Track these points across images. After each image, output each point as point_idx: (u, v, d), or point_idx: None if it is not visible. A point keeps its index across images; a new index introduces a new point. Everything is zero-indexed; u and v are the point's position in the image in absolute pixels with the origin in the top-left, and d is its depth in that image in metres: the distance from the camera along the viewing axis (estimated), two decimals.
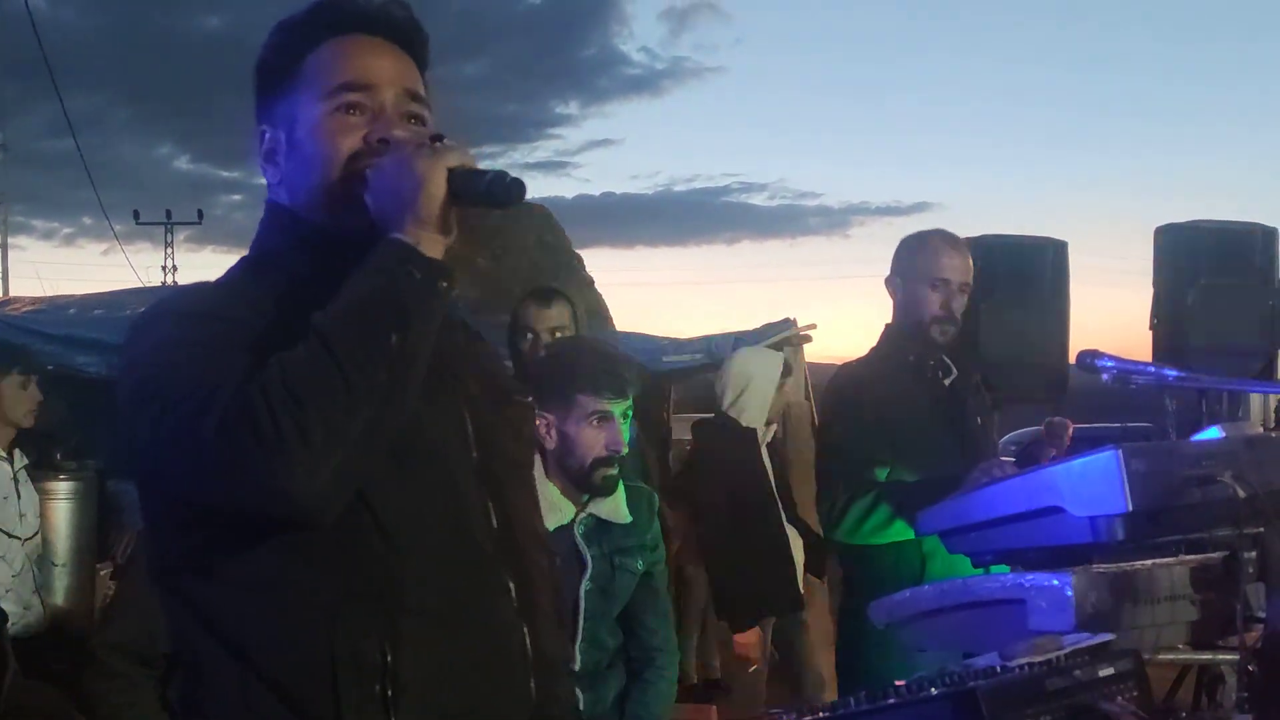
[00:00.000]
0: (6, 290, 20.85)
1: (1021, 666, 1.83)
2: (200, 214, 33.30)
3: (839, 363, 3.67)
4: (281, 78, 1.62)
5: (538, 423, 2.86)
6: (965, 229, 5.50)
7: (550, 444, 2.86)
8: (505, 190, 1.48)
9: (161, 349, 1.46)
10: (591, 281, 11.01)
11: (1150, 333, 5.91)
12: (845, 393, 3.48)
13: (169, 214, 32.42)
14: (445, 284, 1.47)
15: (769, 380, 5.34)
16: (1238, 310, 5.72)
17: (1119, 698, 1.88)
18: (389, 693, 1.45)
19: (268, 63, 1.63)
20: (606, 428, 2.83)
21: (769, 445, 5.53)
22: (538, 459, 2.87)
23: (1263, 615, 2.15)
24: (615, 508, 2.94)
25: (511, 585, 1.59)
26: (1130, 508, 2.07)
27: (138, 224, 32.56)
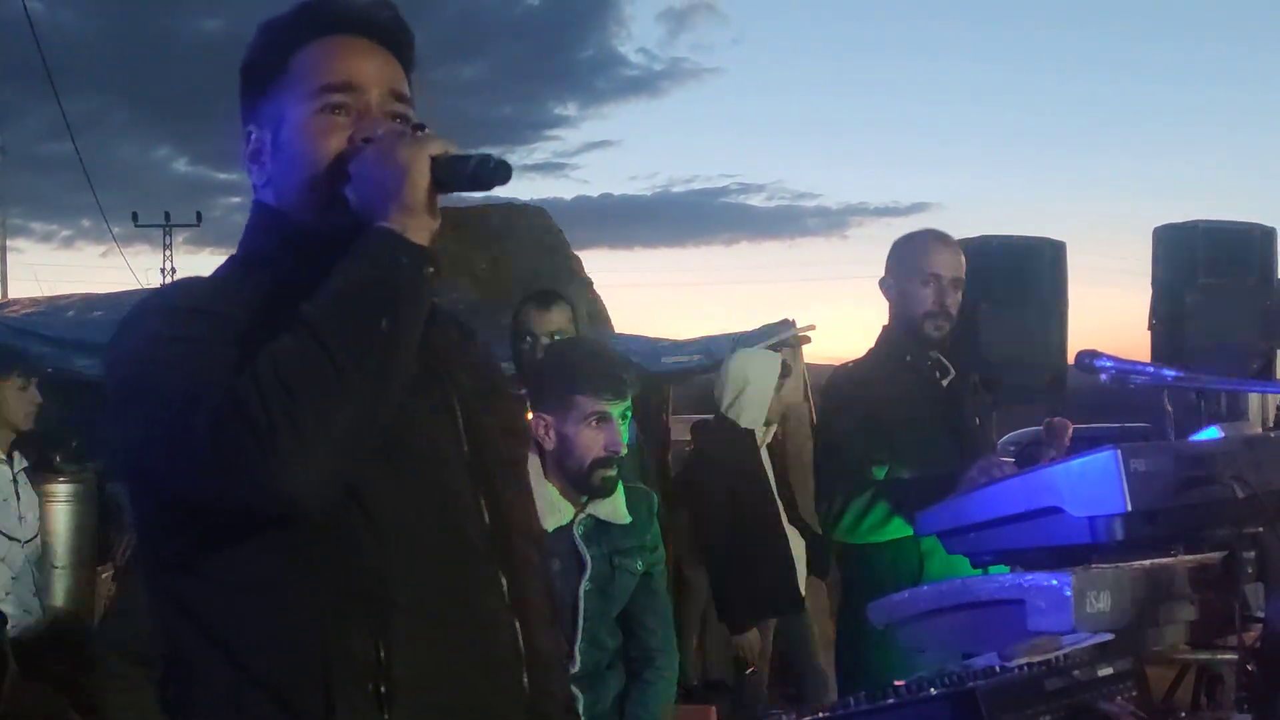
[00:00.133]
0: (5, 293, 20.89)
1: (1020, 667, 1.83)
2: (199, 216, 33.32)
3: (838, 363, 3.68)
4: (267, 78, 1.61)
5: (537, 424, 2.86)
6: (964, 229, 5.50)
7: (549, 445, 2.86)
8: (491, 173, 1.48)
9: (149, 345, 1.46)
10: (590, 283, 11.03)
11: (1149, 333, 5.91)
12: (843, 393, 3.49)
13: (167, 216, 32.45)
14: (432, 270, 1.47)
15: (767, 381, 5.35)
16: (1236, 310, 5.72)
17: (1118, 698, 1.88)
18: (383, 691, 1.44)
19: (253, 63, 1.63)
20: (605, 429, 2.83)
21: (769, 446, 5.53)
22: (537, 460, 2.88)
23: (1261, 615, 2.14)
24: (615, 508, 2.95)
25: (504, 581, 1.58)
26: (1129, 508, 2.07)
27: (136, 226, 32.58)
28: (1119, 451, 2.08)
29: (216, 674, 1.47)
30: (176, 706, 1.53)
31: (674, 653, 3.13)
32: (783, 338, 7.86)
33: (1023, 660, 1.85)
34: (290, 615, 1.45)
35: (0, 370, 4.72)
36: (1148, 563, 2.17)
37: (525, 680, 1.58)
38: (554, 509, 2.87)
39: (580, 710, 2.84)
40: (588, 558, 2.89)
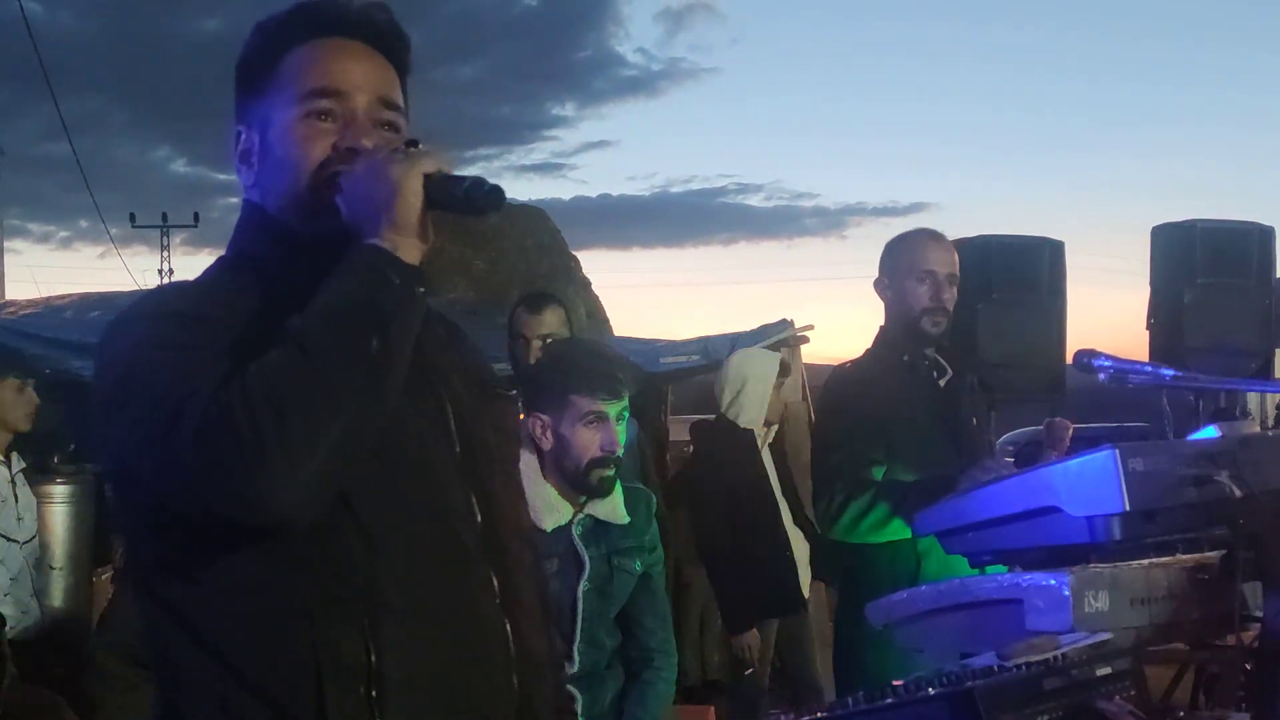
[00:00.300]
0: (3, 293, 20.87)
1: (1019, 666, 1.83)
2: (196, 217, 33.34)
3: (836, 363, 3.68)
4: (258, 79, 1.60)
5: (534, 424, 2.86)
6: (962, 229, 5.51)
7: (546, 445, 2.86)
8: (483, 197, 1.46)
9: (136, 350, 1.45)
10: (589, 283, 11.01)
11: (1147, 332, 5.91)
12: (840, 393, 3.49)
13: (165, 217, 32.48)
14: (423, 289, 1.46)
15: (765, 380, 5.34)
16: (1234, 309, 5.72)
17: (1116, 697, 1.88)
18: (373, 694, 1.43)
19: (246, 62, 1.62)
20: (602, 428, 2.83)
21: (772, 446, 5.52)
22: (535, 460, 2.88)
23: (1260, 614, 2.15)
24: (613, 508, 2.95)
25: (495, 581, 1.58)
26: (1127, 507, 2.07)
27: (134, 227, 32.61)
28: (1117, 451, 2.08)
29: (206, 677, 1.46)
30: (166, 710, 1.52)
31: (672, 653, 3.12)
32: (781, 338, 7.86)
33: (1021, 660, 1.85)
34: (279, 618, 1.44)
35: None
36: (1146, 562, 2.17)
37: (516, 681, 1.57)
38: (552, 509, 2.87)
39: (579, 710, 2.84)
40: (586, 558, 2.89)
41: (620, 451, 2.88)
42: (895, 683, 1.81)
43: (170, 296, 1.62)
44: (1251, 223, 5.93)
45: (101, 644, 3.26)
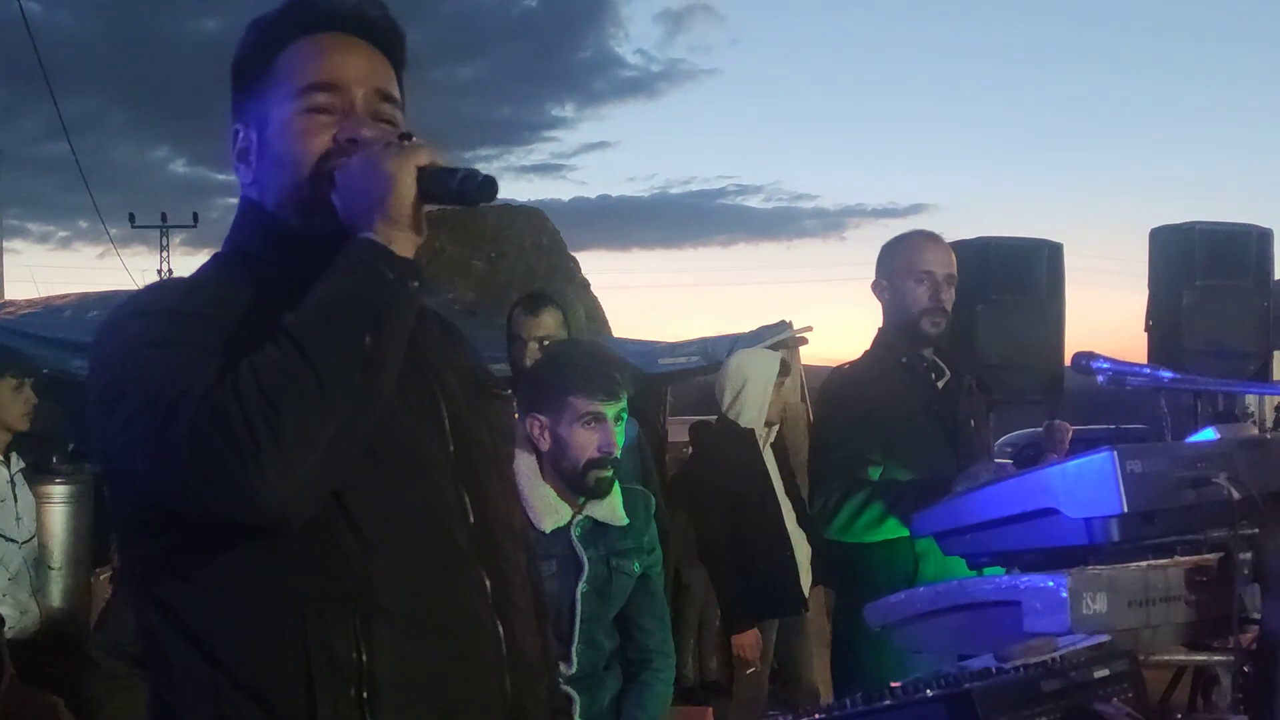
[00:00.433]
0: (2, 293, 20.84)
1: (1017, 668, 1.83)
2: (196, 217, 33.39)
3: (835, 365, 3.68)
4: (254, 76, 1.60)
5: (533, 425, 2.86)
6: (961, 231, 5.51)
7: (544, 445, 2.86)
8: (477, 189, 1.46)
9: (130, 348, 1.45)
10: (588, 284, 11.03)
11: (1145, 334, 5.92)
12: (839, 394, 3.49)
13: (164, 217, 32.53)
14: (417, 284, 1.46)
15: (765, 380, 5.34)
16: (1233, 312, 5.73)
17: (1114, 699, 1.88)
18: (365, 695, 1.43)
19: (242, 60, 1.62)
20: (599, 429, 2.83)
21: (775, 447, 5.52)
22: (534, 461, 2.88)
23: (1257, 616, 2.15)
24: (612, 510, 2.95)
25: (488, 582, 1.57)
26: (1125, 509, 2.07)
27: (133, 227, 32.68)
28: (1115, 453, 2.08)
29: (198, 677, 1.46)
30: (158, 708, 1.52)
31: (671, 654, 3.12)
32: (780, 339, 7.85)
33: (1019, 662, 1.85)
34: (271, 617, 1.44)
35: None
36: (1144, 564, 2.17)
37: (508, 683, 1.57)
38: (551, 510, 2.87)
39: (577, 712, 2.84)
40: (585, 559, 2.89)
41: (618, 453, 2.88)
42: (893, 684, 1.81)
43: (165, 293, 1.62)
44: (1250, 225, 5.93)
45: (100, 644, 3.26)
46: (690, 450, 7.06)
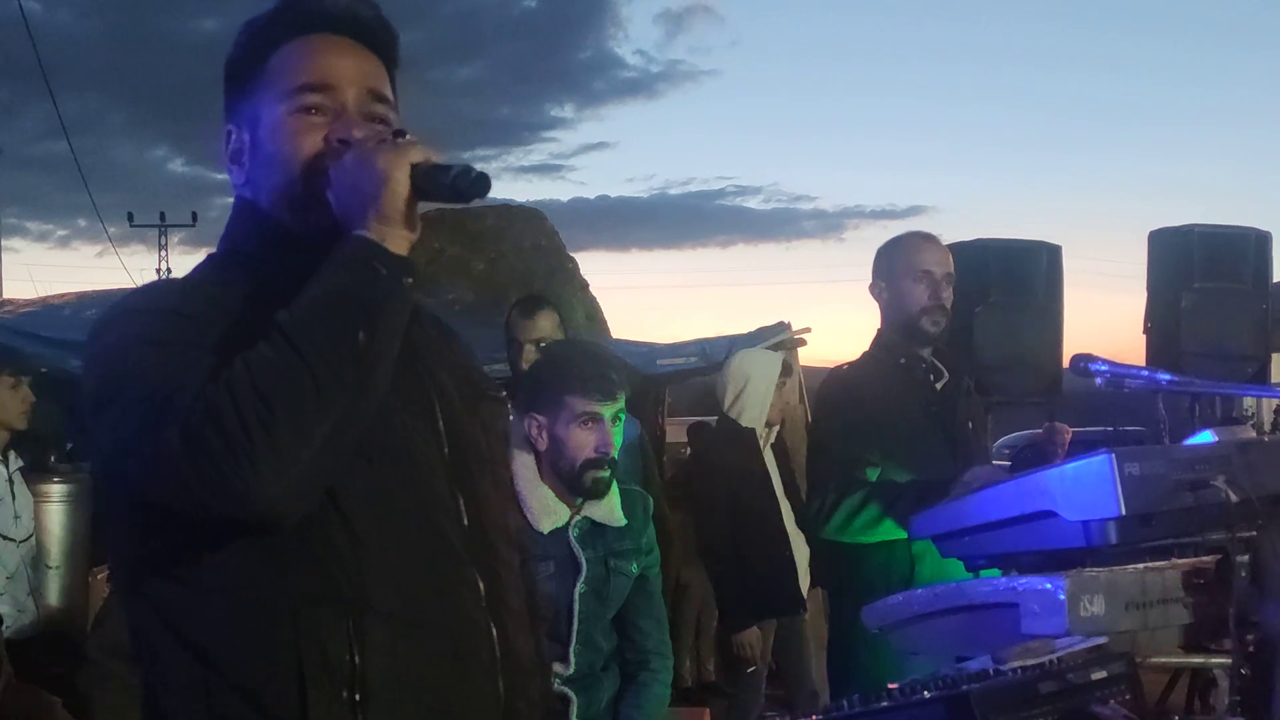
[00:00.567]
0: (1, 292, 20.85)
1: (1014, 670, 1.83)
2: (194, 216, 33.40)
3: (833, 366, 3.67)
4: (247, 77, 1.60)
5: (530, 425, 2.86)
6: (960, 233, 5.53)
7: (542, 446, 2.86)
8: (470, 185, 1.46)
9: (124, 348, 1.44)
10: (586, 285, 11.03)
11: (1144, 336, 5.92)
12: (836, 395, 3.49)
13: (163, 216, 32.53)
14: (411, 280, 1.46)
15: (768, 380, 5.34)
16: (1231, 314, 5.74)
17: (1112, 701, 1.88)
18: (357, 696, 1.43)
19: (235, 62, 1.62)
20: (596, 429, 2.83)
21: (775, 448, 5.52)
22: (533, 462, 2.88)
23: (1255, 618, 2.15)
24: (610, 510, 2.94)
25: (481, 584, 1.57)
26: (1123, 512, 2.08)
27: (132, 226, 32.68)
28: (1113, 456, 2.09)
29: (188, 677, 1.45)
30: (151, 708, 1.51)
31: (669, 655, 3.12)
32: (778, 340, 7.85)
33: (1017, 663, 1.85)
34: (264, 618, 1.44)
35: None
36: (1142, 566, 2.18)
37: (501, 685, 1.57)
38: (550, 511, 2.87)
39: (574, 712, 2.84)
40: (583, 560, 2.88)
41: (614, 453, 2.88)
42: (890, 686, 1.81)
43: (159, 293, 1.62)
44: (1248, 227, 5.94)
45: (98, 643, 3.26)
46: (689, 451, 7.06)
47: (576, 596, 2.87)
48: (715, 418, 5.66)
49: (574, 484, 2.86)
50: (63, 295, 8.39)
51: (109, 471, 1.49)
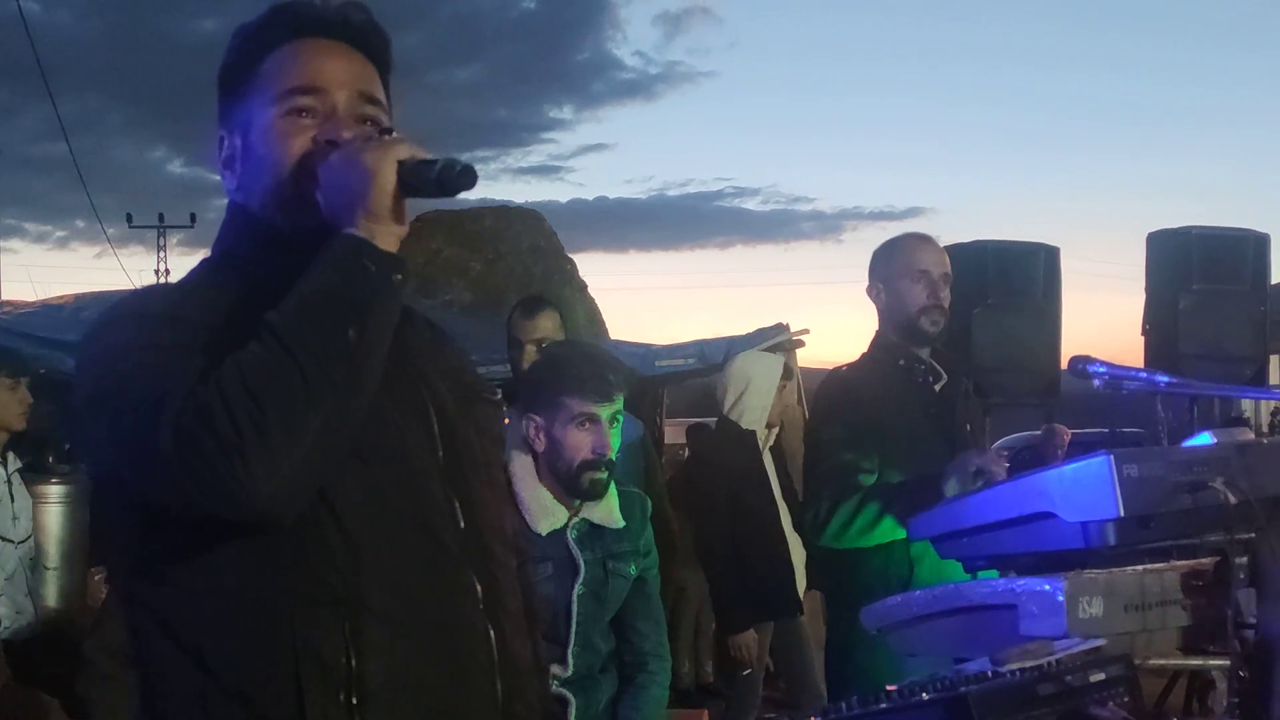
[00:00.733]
0: None
1: (1013, 672, 1.83)
2: (193, 217, 33.45)
3: (831, 367, 3.67)
4: (239, 82, 1.61)
5: (528, 426, 2.86)
6: (958, 234, 5.53)
7: (540, 447, 2.86)
8: (456, 178, 1.46)
9: (117, 352, 1.45)
10: (585, 286, 11.04)
11: (1142, 338, 5.93)
12: (834, 397, 3.48)
13: (161, 217, 32.57)
14: (400, 277, 1.46)
15: (769, 382, 5.34)
16: (1229, 316, 5.74)
17: (1110, 703, 1.88)
18: (354, 699, 1.43)
19: (227, 67, 1.63)
20: (593, 430, 2.83)
21: (774, 450, 5.52)
22: (531, 463, 2.88)
23: (1254, 621, 2.15)
24: (608, 512, 2.94)
25: (478, 586, 1.57)
26: (1122, 513, 2.07)
27: (130, 227, 32.74)
28: (1112, 457, 2.09)
29: (183, 680, 1.45)
30: (146, 712, 1.51)
31: (666, 657, 3.12)
32: (777, 341, 7.86)
33: (1015, 665, 1.85)
34: (259, 621, 1.43)
35: None
36: (1140, 568, 2.18)
37: (498, 687, 1.56)
38: (548, 512, 2.87)
39: (572, 714, 2.84)
40: (581, 562, 2.88)
41: (612, 455, 2.88)
42: (889, 687, 1.81)
43: (153, 297, 1.62)
44: (1246, 229, 5.95)
45: (96, 644, 3.26)
46: (687, 452, 7.06)
47: (574, 598, 2.87)
48: (714, 419, 5.65)
49: (571, 485, 2.86)
50: (61, 296, 8.40)
51: (104, 474, 1.49)
